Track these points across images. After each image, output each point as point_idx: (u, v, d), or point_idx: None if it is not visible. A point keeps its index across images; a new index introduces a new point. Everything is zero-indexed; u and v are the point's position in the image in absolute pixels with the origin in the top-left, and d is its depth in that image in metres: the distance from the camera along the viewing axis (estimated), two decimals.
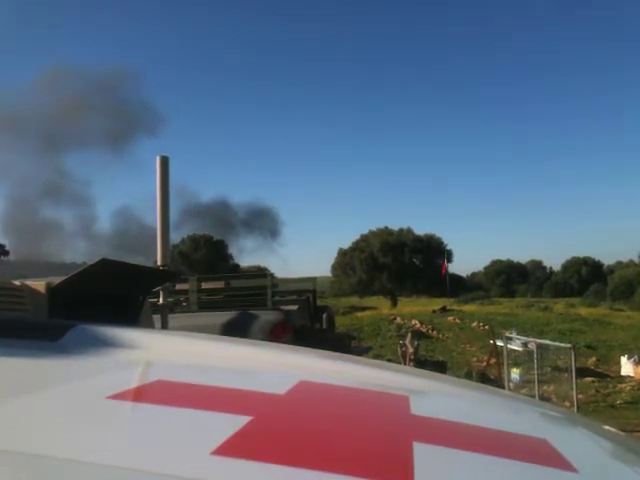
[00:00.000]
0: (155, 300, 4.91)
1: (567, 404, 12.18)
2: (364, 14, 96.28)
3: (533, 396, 11.45)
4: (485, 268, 59.49)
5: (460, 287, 46.06)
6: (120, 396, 0.96)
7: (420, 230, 49.59)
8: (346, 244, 48.58)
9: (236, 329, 6.45)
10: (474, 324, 26.71)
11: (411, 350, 15.55)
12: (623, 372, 18.50)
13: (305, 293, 9.22)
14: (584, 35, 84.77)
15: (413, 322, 27.13)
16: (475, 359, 21.26)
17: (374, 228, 48.54)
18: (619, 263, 51.12)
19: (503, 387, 12.51)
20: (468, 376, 15.76)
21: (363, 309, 34.78)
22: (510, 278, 56.25)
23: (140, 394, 1.05)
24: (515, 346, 16.53)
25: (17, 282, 2.88)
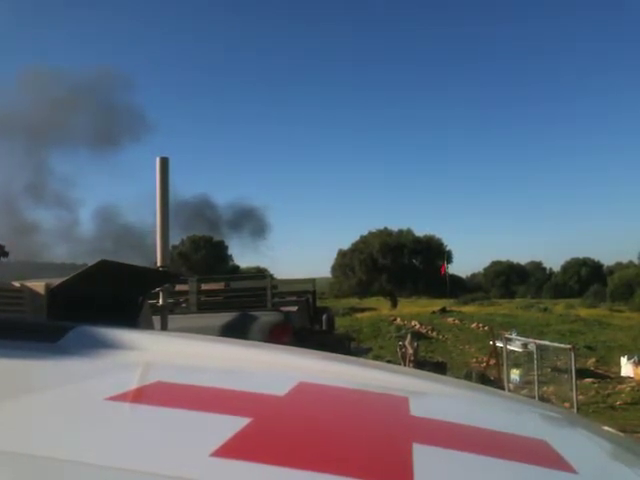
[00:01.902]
0: (155, 301, 4.92)
1: (567, 405, 12.17)
2: (353, 14, 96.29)
3: (533, 397, 11.45)
4: (485, 269, 59.50)
5: (460, 288, 46.07)
6: (120, 397, 0.96)
7: (420, 231, 49.68)
8: (346, 245, 48.65)
9: (236, 330, 6.45)
10: (474, 325, 26.73)
11: (411, 351, 15.55)
12: (623, 373, 18.50)
13: (305, 294, 9.23)
14: (584, 36, 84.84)
15: (413, 323, 27.14)
16: (475, 360, 21.26)
17: (374, 229, 48.63)
18: (619, 264, 51.11)
19: (503, 388, 12.51)
20: (468, 377, 15.75)
21: (363, 310, 34.80)
22: (510, 279, 56.24)
23: (140, 395, 1.05)
24: (515, 347, 16.53)
25: (17, 283, 2.88)
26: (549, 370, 16.27)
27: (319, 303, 11.31)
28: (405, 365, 14.19)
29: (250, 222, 46.49)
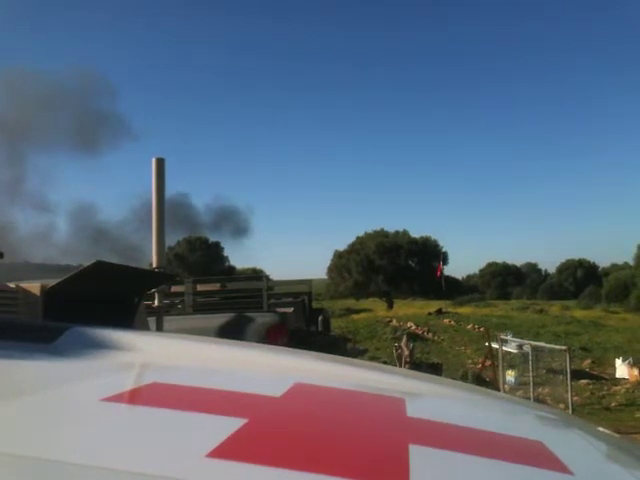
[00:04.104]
0: (150, 302, 4.90)
1: (562, 406, 12.19)
2: (340, 14, 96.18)
3: (528, 398, 11.47)
4: (480, 270, 59.56)
5: (456, 289, 46.14)
6: (115, 398, 0.96)
7: (416, 232, 49.70)
8: (342, 246, 48.65)
9: (231, 331, 6.45)
10: (469, 326, 26.75)
11: (407, 352, 15.55)
12: (618, 374, 18.54)
13: (301, 295, 9.22)
14: (584, 36, 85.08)
15: (409, 324, 27.15)
16: (470, 361, 21.28)
17: (370, 230, 48.64)
18: (614, 265, 51.20)
19: (498, 389, 12.52)
20: (463, 378, 15.76)
21: (359, 311, 34.80)
22: (505, 280, 56.33)
23: (135, 396, 1.05)
24: (510, 348, 16.57)
25: (11, 284, 2.87)
26: (544, 371, 16.31)
27: (315, 304, 11.31)
28: (401, 366, 14.19)
29: (231, 223, 46.17)
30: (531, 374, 13.82)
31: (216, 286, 9.19)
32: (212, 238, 47.03)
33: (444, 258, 46.95)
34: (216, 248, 48.37)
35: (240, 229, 45.30)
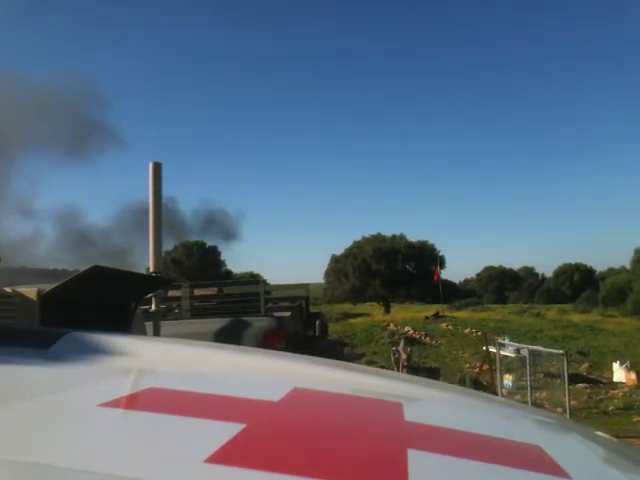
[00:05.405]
0: (147, 307, 4.90)
1: (559, 410, 12.19)
2: (338, 15, 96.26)
3: (526, 402, 11.47)
4: (478, 274, 59.67)
5: (453, 293, 46.14)
6: (112, 404, 0.95)
7: (413, 236, 49.72)
8: (339, 250, 48.65)
9: (229, 336, 6.44)
10: (467, 330, 26.76)
11: (404, 357, 15.55)
12: (615, 378, 18.57)
13: (298, 300, 9.23)
14: (579, 39, 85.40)
15: (406, 329, 27.14)
16: (468, 365, 21.28)
17: (367, 234, 48.66)
18: (611, 269, 51.26)
19: (496, 393, 12.52)
20: (461, 382, 15.75)
21: (356, 316, 34.74)
22: (502, 284, 56.43)
23: (133, 402, 1.05)
24: (508, 352, 16.58)
25: (8, 289, 2.87)
26: (542, 375, 16.33)
27: (312, 309, 11.32)
28: (399, 371, 14.18)
29: (220, 228, 45.88)
30: (529, 378, 13.82)
31: (213, 291, 9.19)
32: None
33: (441, 262, 46.97)
34: (213, 253, 48.30)
35: (230, 233, 45.12)
